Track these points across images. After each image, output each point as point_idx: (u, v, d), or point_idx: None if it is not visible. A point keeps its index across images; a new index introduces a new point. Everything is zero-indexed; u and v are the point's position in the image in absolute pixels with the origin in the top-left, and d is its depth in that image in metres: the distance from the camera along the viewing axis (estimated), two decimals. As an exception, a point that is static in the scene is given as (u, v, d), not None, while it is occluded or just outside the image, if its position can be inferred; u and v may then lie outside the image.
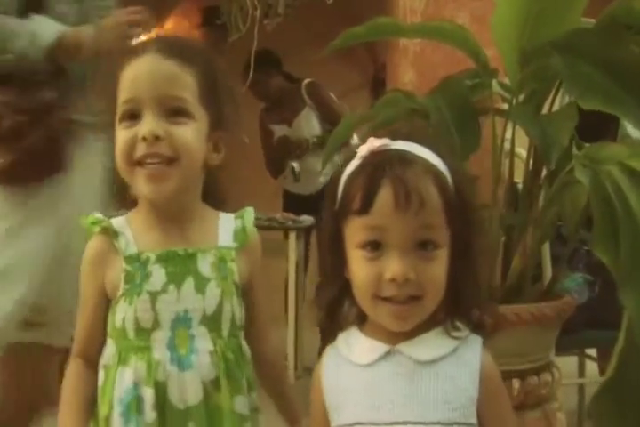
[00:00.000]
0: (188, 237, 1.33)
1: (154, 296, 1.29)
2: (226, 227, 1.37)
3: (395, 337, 1.09)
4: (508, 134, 1.95)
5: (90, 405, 1.33)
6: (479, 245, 1.13)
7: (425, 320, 1.08)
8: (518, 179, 2.03)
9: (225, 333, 1.32)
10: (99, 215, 1.36)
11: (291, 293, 3.86)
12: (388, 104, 2.16)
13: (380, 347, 1.09)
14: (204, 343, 1.30)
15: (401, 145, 1.08)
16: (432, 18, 2.31)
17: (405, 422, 1.05)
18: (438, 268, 1.05)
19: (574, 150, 1.86)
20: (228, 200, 1.45)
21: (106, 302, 1.34)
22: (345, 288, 1.11)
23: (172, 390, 1.27)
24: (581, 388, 3.12)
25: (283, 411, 1.49)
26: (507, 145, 1.97)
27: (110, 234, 1.33)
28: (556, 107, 2.03)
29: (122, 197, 1.38)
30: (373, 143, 1.08)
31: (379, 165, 1.05)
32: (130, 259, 1.31)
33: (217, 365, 1.29)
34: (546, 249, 2.28)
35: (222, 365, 1.30)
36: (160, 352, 1.29)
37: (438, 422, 1.05)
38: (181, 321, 1.29)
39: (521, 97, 1.94)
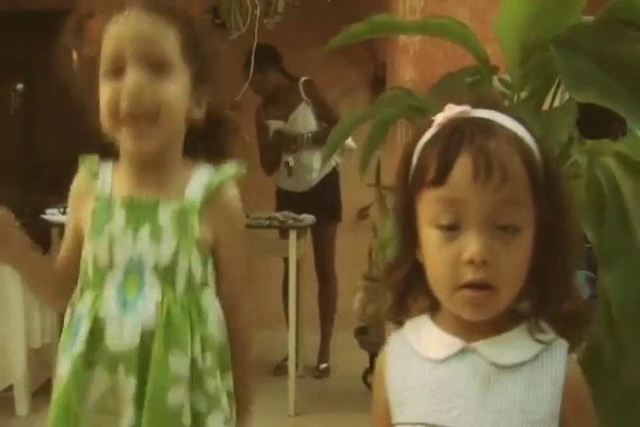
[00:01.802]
0: (158, 187, 1.36)
1: (112, 238, 1.33)
2: (199, 180, 1.37)
3: (471, 333, 0.99)
4: (509, 131, 1.94)
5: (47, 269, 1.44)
6: (571, 231, 1.00)
7: (506, 315, 0.98)
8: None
9: (179, 287, 1.32)
10: (94, 157, 1.43)
11: (291, 292, 3.85)
12: (388, 102, 2.16)
13: (455, 343, 1.00)
14: (152, 292, 1.31)
15: (484, 113, 0.98)
16: (432, 15, 2.30)
17: None
18: (518, 253, 0.95)
19: (576, 146, 1.85)
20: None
21: (79, 237, 1.40)
22: (416, 272, 1.01)
23: (109, 330, 1.29)
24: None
25: (235, 393, 1.42)
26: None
27: (93, 171, 1.40)
28: (557, 103, 2.02)
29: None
30: (453, 110, 0.98)
31: (457, 132, 0.95)
32: (99, 200, 1.37)
33: (159, 316, 1.29)
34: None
35: (163, 318, 1.29)
36: (109, 292, 1.32)
37: None
38: (134, 266, 1.32)
39: (522, 94, 1.94)
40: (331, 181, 4.51)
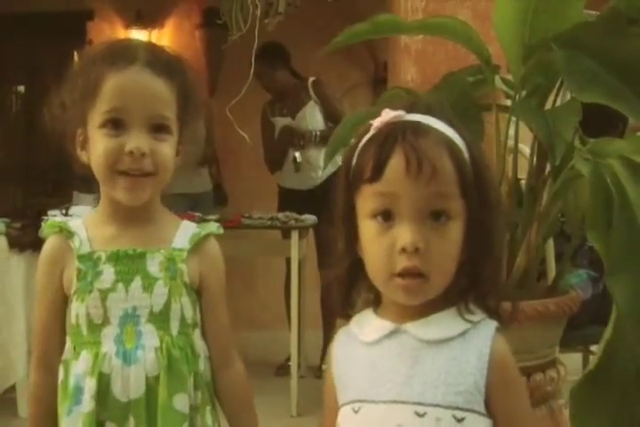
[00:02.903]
0: (142, 238, 1.39)
1: (104, 294, 1.35)
2: (184, 232, 1.43)
3: (404, 316, 1.07)
4: (512, 131, 1.94)
5: (56, 411, 1.39)
6: (497, 223, 1.10)
7: (437, 300, 1.06)
8: (522, 175, 2.02)
9: (174, 330, 1.37)
10: (56, 219, 1.44)
11: (293, 292, 3.84)
12: (389, 102, 2.16)
13: (387, 325, 1.08)
14: (150, 340, 1.35)
15: (416, 117, 1.06)
16: (434, 14, 2.30)
17: (404, 402, 1.04)
18: (449, 242, 1.03)
19: (578, 145, 1.85)
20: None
21: (62, 301, 1.40)
22: (357, 266, 1.09)
23: (115, 383, 1.32)
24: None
25: None
26: (510, 141, 1.97)
27: (65, 234, 1.40)
28: (559, 102, 2.02)
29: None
30: (388, 114, 1.06)
31: (391, 133, 1.04)
32: (82, 258, 1.37)
33: (160, 361, 1.33)
34: (550, 245, 2.28)
35: (165, 362, 1.33)
36: (108, 346, 1.34)
37: (438, 405, 1.02)
38: (129, 318, 1.35)
39: (524, 93, 1.94)
40: (334, 182, 4.49)
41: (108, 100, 1.33)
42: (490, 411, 1.04)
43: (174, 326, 1.36)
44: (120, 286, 1.35)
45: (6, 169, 5.91)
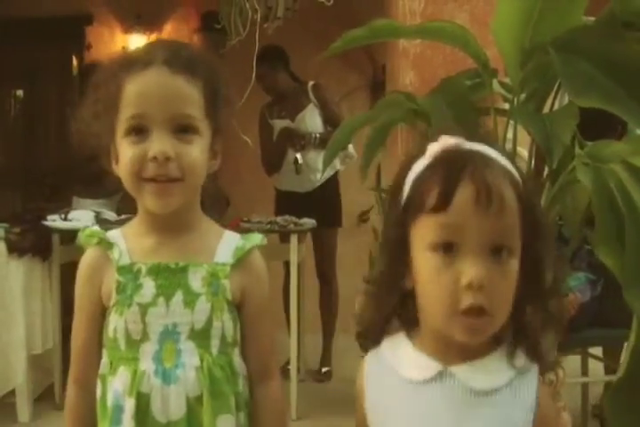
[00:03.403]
0: (183, 250, 1.33)
1: (144, 308, 1.29)
2: (228, 244, 1.36)
3: (449, 355, 1.01)
4: (510, 134, 1.95)
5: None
6: (550, 263, 1.03)
7: (484, 341, 1.00)
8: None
9: (214, 349, 1.30)
10: (94, 228, 1.38)
11: (293, 296, 3.84)
12: (388, 106, 2.17)
13: (433, 366, 1.01)
14: (190, 358, 1.29)
15: (476, 146, 1.01)
16: (431, 18, 2.31)
17: None
18: (511, 278, 0.97)
19: (576, 149, 1.86)
20: (227, 204, 1.45)
21: (101, 314, 1.33)
22: (403, 300, 1.03)
23: (154, 403, 1.27)
24: (585, 387, 3.12)
25: None
26: (508, 145, 1.97)
27: (104, 245, 1.34)
28: (557, 106, 2.03)
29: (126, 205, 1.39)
30: (448, 141, 1.01)
31: (457, 161, 0.98)
32: (122, 269, 1.31)
33: (202, 381, 1.27)
34: (548, 249, 2.27)
35: (207, 381, 1.28)
36: (146, 364, 1.28)
37: None
38: (169, 334, 1.29)
39: (522, 96, 1.94)
40: (332, 186, 4.53)
41: (128, 107, 1.27)
42: None
43: (215, 345, 1.30)
44: (161, 300, 1.29)
45: (5, 173, 5.91)
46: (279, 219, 3.88)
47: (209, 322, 1.30)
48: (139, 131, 1.26)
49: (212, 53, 1.41)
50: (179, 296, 1.29)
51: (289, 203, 4.38)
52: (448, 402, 0.99)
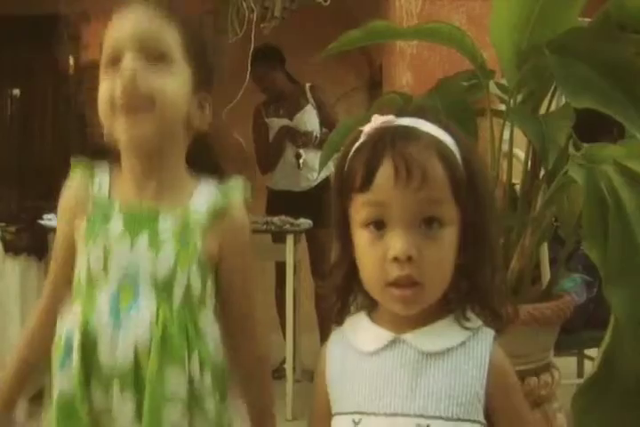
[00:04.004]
0: (161, 193, 1.29)
1: (107, 244, 1.25)
2: (204, 193, 1.31)
3: (402, 325, 1.04)
4: (506, 135, 1.95)
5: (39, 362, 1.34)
6: (494, 227, 1.07)
7: (435, 307, 1.04)
8: (516, 180, 2.03)
9: (176, 301, 1.24)
10: (87, 160, 1.35)
11: (289, 296, 3.84)
12: (384, 106, 2.16)
13: (386, 335, 1.05)
14: (147, 305, 1.23)
15: (406, 121, 1.04)
16: (428, 20, 2.31)
17: (406, 415, 1.01)
18: (444, 248, 1.00)
19: (571, 150, 1.86)
20: (221, 171, 1.40)
21: (74, 250, 1.30)
22: (353, 273, 1.06)
23: (101, 344, 1.21)
24: (580, 389, 3.12)
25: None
26: (504, 146, 1.97)
27: (88, 175, 1.32)
28: (553, 107, 2.03)
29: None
30: (377, 120, 1.04)
31: (380, 140, 1.01)
32: (97, 203, 1.29)
33: (153, 333, 1.22)
34: (544, 250, 2.28)
35: (159, 332, 1.21)
36: (101, 303, 1.24)
37: (440, 417, 1.00)
38: (130, 276, 1.24)
39: (518, 97, 1.95)
40: (327, 186, 4.54)
41: (106, 45, 1.26)
42: (490, 419, 1.03)
43: (177, 298, 1.24)
44: (126, 239, 1.25)
45: (1, 172, 5.90)
46: (275, 219, 3.87)
47: (173, 271, 1.24)
48: (114, 63, 1.24)
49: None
50: (144, 237, 1.25)
51: (283, 202, 4.37)
52: (402, 367, 1.03)
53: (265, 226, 3.80)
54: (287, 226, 3.84)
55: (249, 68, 3.79)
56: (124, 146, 1.29)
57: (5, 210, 4.65)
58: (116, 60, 1.24)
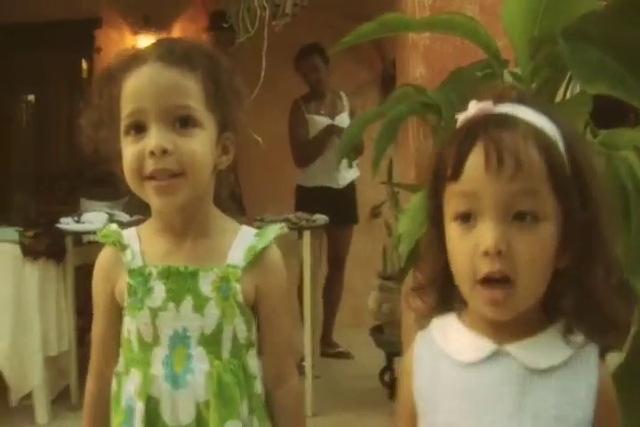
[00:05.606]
0: (195, 252, 1.30)
1: (154, 312, 1.28)
2: (241, 243, 1.32)
3: (501, 334, 0.97)
4: (522, 124, 1.93)
5: (108, 419, 1.35)
6: (606, 224, 0.97)
7: (536, 316, 0.97)
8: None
9: (225, 353, 1.29)
10: (112, 227, 1.37)
11: (306, 292, 3.85)
12: (399, 99, 2.15)
13: (487, 345, 0.98)
14: (200, 364, 1.27)
15: (505, 108, 0.98)
16: (441, 11, 2.29)
17: None
18: (538, 244, 0.92)
19: (590, 138, 1.84)
20: (243, 202, 1.43)
21: (118, 311, 1.33)
22: (446, 269, 1.00)
23: (164, 407, 1.26)
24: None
25: None
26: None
27: (118, 247, 1.33)
28: (569, 95, 2.01)
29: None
30: (474, 106, 0.98)
31: (473, 127, 0.96)
32: (133, 273, 1.30)
33: (211, 387, 1.26)
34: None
35: (216, 387, 1.26)
36: (157, 368, 1.28)
37: None
38: (180, 339, 1.28)
39: (533, 86, 1.93)
40: (354, 184, 4.73)
41: (126, 106, 1.25)
42: None
43: (226, 349, 1.28)
44: (171, 305, 1.27)
45: (18, 178, 5.94)
46: (291, 216, 3.88)
47: (219, 327, 1.28)
48: (138, 128, 1.24)
49: (216, 48, 1.37)
50: (188, 301, 1.27)
51: (315, 199, 4.44)
52: (507, 382, 0.96)
53: (282, 223, 3.80)
54: (304, 222, 3.84)
55: (263, 66, 3.78)
56: (157, 209, 1.29)
57: (23, 215, 4.68)
58: (139, 127, 1.24)
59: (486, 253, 0.91)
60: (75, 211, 4.18)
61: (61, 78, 5.92)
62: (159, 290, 1.28)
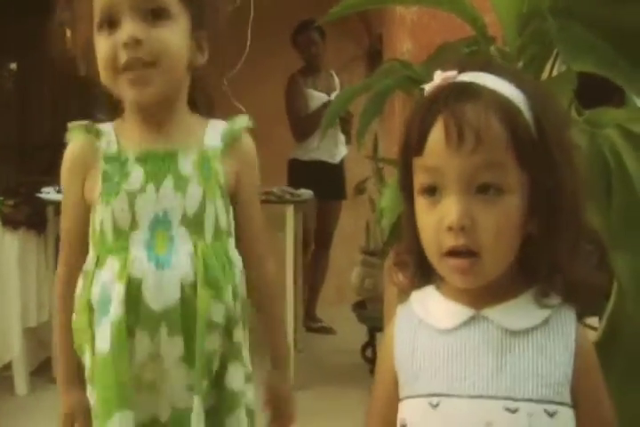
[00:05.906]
0: (170, 138, 1.31)
1: (132, 196, 1.27)
2: (215, 129, 1.35)
3: (478, 301, 0.97)
4: (508, 101, 1.92)
5: None
6: (572, 190, 0.96)
7: (511, 282, 0.97)
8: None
9: (208, 236, 1.28)
10: (83, 122, 1.36)
11: (289, 269, 3.84)
12: (385, 74, 2.14)
13: (464, 311, 0.98)
14: (184, 245, 1.27)
15: (468, 76, 0.95)
16: (428, -15, 2.28)
17: (492, 397, 0.94)
18: (503, 216, 0.92)
19: (575, 116, 1.84)
20: (216, 108, 1.43)
21: (85, 208, 1.32)
22: (418, 242, 0.99)
23: (147, 288, 1.24)
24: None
25: (270, 349, 1.48)
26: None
27: (93, 134, 1.32)
28: (555, 73, 2.00)
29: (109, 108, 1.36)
30: (439, 77, 0.96)
31: (436, 99, 0.93)
32: (109, 159, 1.30)
33: (197, 267, 1.25)
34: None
35: (202, 268, 1.25)
36: (138, 251, 1.26)
37: (529, 399, 0.93)
38: (160, 222, 1.27)
39: (520, 63, 1.92)
40: (344, 162, 4.78)
41: (98, 1, 1.26)
42: (573, 398, 0.96)
43: (209, 231, 1.28)
44: (150, 187, 1.27)
45: (0, 147, 5.88)
46: (275, 189, 3.86)
47: (201, 207, 1.28)
48: (111, 23, 1.25)
49: None
50: (169, 181, 1.27)
51: (310, 173, 4.45)
52: (485, 344, 0.97)
53: (265, 196, 3.78)
54: (287, 196, 3.83)
55: (249, 37, 3.76)
56: (133, 101, 1.29)
57: (4, 184, 4.65)
58: (112, 22, 1.24)
59: (450, 229, 0.92)
60: (57, 181, 4.15)
61: (44, 47, 5.85)
62: (137, 174, 1.28)
